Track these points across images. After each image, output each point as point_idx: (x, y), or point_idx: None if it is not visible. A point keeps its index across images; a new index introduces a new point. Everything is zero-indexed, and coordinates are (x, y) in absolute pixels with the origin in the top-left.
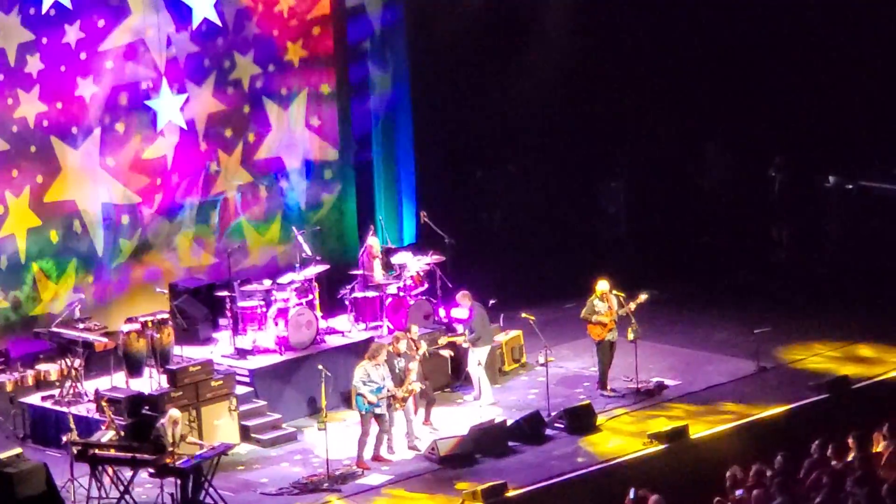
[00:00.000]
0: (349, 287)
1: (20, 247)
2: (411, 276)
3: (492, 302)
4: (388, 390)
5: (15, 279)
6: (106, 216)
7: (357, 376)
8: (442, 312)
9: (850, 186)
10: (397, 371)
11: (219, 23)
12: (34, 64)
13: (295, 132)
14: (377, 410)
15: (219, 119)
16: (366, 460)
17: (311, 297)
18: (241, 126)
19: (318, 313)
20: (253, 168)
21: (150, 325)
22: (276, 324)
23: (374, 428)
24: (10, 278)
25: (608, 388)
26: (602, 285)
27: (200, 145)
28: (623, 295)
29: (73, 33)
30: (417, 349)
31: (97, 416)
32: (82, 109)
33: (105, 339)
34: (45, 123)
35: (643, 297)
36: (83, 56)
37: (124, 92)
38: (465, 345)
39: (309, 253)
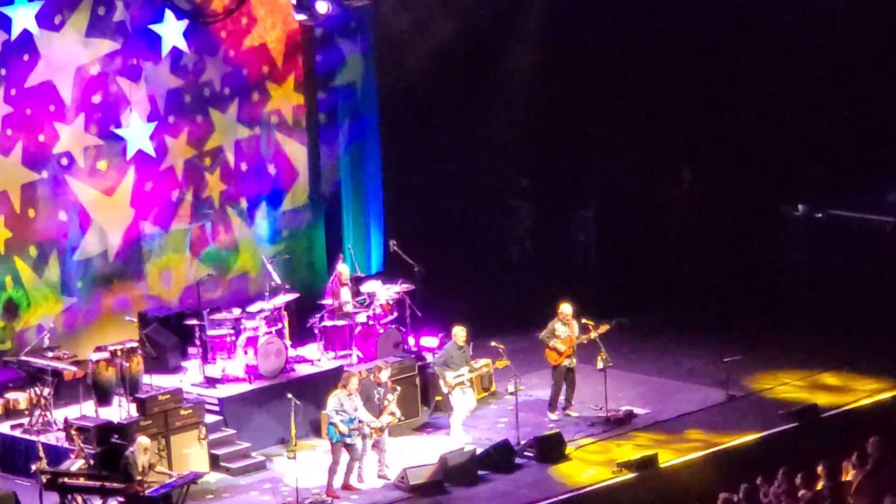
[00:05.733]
0: (318, 316)
1: None
2: (381, 305)
3: None
4: (360, 421)
5: None
6: (75, 244)
7: (330, 405)
8: (412, 341)
9: (819, 215)
10: (376, 401)
11: (188, 51)
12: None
13: (265, 160)
14: (347, 440)
15: (188, 147)
16: (335, 489)
17: (280, 325)
18: (211, 154)
19: (288, 342)
20: (222, 196)
21: (119, 353)
22: (246, 352)
23: (344, 456)
24: None
25: (556, 412)
26: (565, 308)
27: (170, 174)
28: (592, 323)
29: (41, 62)
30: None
31: (66, 444)
32: (50, 137)
33: (74, 368)
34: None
35: (604, 327)
36: (51, 84)
37: (93, 120)
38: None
39: (278, 281)
